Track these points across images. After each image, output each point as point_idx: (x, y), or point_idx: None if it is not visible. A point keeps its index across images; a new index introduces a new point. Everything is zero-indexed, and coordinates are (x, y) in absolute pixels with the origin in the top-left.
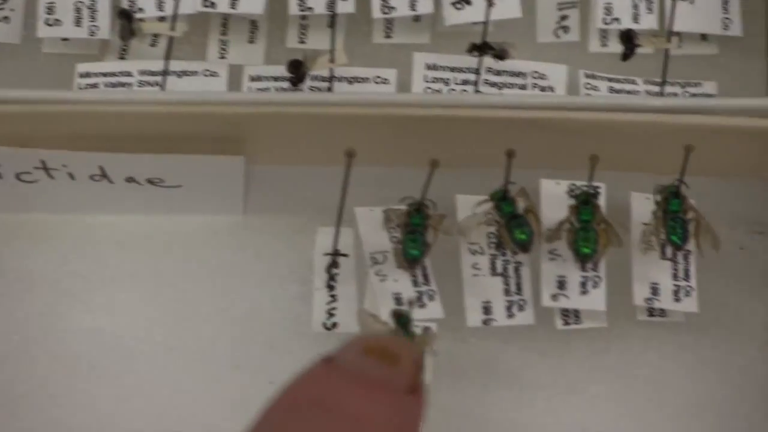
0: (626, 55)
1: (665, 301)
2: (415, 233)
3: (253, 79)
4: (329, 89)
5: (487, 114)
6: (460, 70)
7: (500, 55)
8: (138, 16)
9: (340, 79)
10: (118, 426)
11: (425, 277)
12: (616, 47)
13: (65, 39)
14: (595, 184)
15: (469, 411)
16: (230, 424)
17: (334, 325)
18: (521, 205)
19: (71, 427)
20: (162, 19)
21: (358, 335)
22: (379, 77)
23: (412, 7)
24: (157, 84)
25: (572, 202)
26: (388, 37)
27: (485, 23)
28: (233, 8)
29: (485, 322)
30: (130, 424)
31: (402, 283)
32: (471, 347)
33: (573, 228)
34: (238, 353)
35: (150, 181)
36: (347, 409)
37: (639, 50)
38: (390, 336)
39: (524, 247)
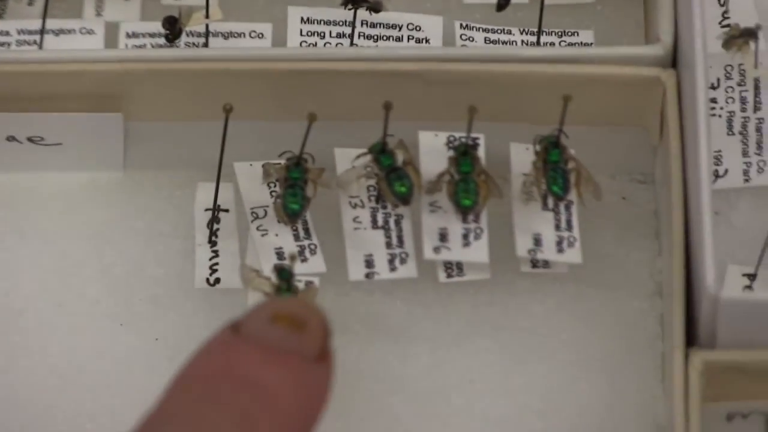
0: (501, 5)
1: (548, 252)
2: (295, 187)
3: (130, 36)
4: (205, 45)
5: (363, 67)
6: (335, 23)
7: (375, 8)
8: None
9: (216, 34)
10: (6, 385)
11: (306, 231)
12: None
13: None
14: (474, 135)
15: (353, 366)
16: (117, 380)
17: (217, 280)
18: (400, 157)
19: None
20: None
21: (265, 301)
22: (254, 32)
23: None
24: (35, 43)
25: (451, 153)
26: None
27: None
28: None
29: (367, 276)
30: (16, 381)
31: (283, 238)
32: (354, 301)
33: (453, 180)
34: (123, 310)
35: (30, 140)
36: (255, 379)
37: (514, 0)
38: (297, 300)
39: (404, 199)
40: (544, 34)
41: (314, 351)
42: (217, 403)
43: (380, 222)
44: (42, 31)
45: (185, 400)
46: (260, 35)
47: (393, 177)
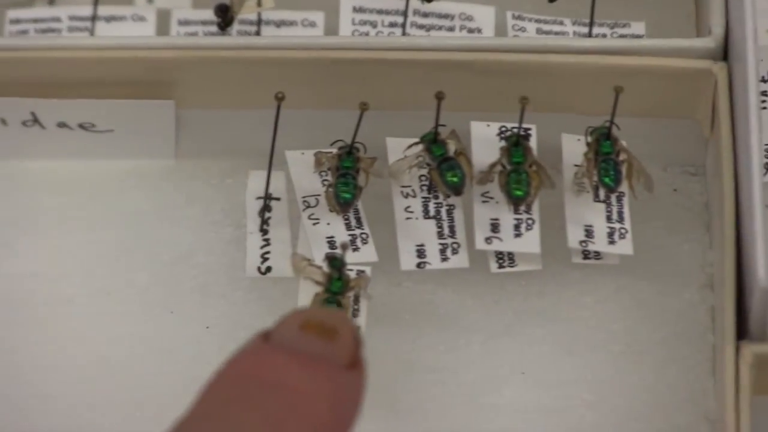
0: None
1: (599, 244)
2: (347, 176)
3: (182, 23)
4: (257, 33)
5: (415, 56)
6: (387, 12)
7: None
8: None
9: (268, 22)
10: (55, 372)
11: (358, 220)
12: None
13: None
14: (526, 125)
15: (403, 355)
16: (167, 368)
17: (268, 269)
18: (452, 147)
19: (5, 373)
20: None
21: (296, 309)
22: (306, 20)
23: None
24: (86, 29)
25: (503, 144)
26: None
27: None
28: None
29: (419, 266)
30: (67, 370)
31: (335, 227)
32: (405, 291)
33: (505, 170)
34: (173, 298)
35: (82, 126)
36: (288, 384)
37: None
38: (328, 310)
39: (456, 189)
40: (596, 25)
41: (345, 358)
42: (248, 406)
43: (432, 212)
44: (93, 18)
45: (216, 403)
46: (312, 24)
47: (445, 167)
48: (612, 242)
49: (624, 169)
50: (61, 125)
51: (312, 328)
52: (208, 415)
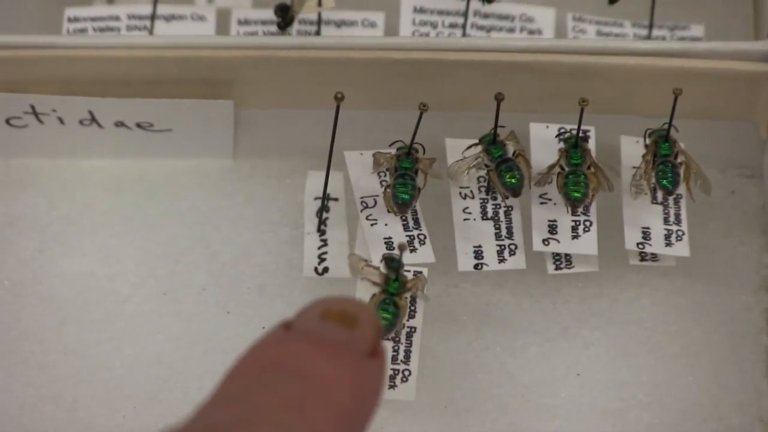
0: None
1: (657, 246)
2: (405, 177)
3: (241, 22)
4: (317, 33)
5: (475, 57)
6: (447, 13)
7: None
8: None
9: (328, 22)
10: (110, 371)
11: (416, 221)
12: None
13: None
14: (585, 127)
15: (460, 356)
16: (222, 369)
17: (326, 269)
18: (511, 148)
19: (63, 373)
20: None
21: (316, 300)
22: (366, 20)
23: None
24: (145, 28)
25: (562, 145)
26: None
27: None
28: None
29: (476, 267)
30: (123, 370)
31: (393, 228)
32: (462, 292)
33: (563, 172)
34: (229, 298)
35: (139, 126)
36: (307, 370)
37: None
38: (349, 298)
39: (514, 191)
40: (656, 27)
41: (366, 346)
42: (270, 391)
43: (490, 213)
44: (153, 17)
45: (238, 388)
46: (372, 24)
47: (503, 168)
48: (669, 244)
49: (682, 171)
50: (119, 124)
51: (333, 316)
52: (230, 400)
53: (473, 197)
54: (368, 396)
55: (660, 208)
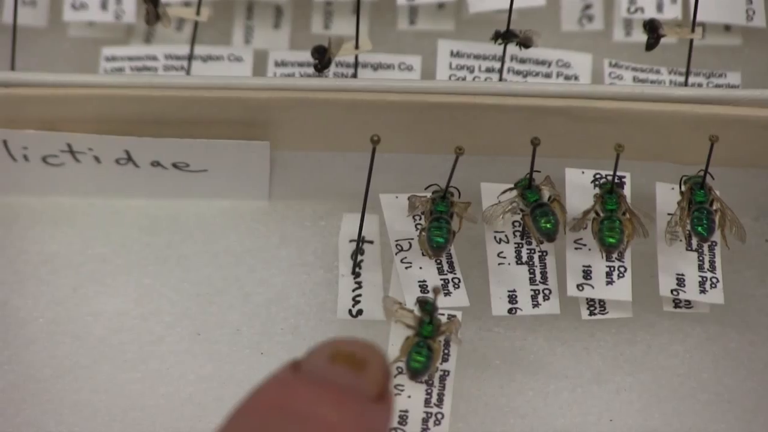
0: (650, 45)
1: (691, 293)
2: (440, 221)
3: (278, 64)
4: (354, 75)
5: (511, 102)
6: (484, 57)
7: (524, 43)
8: (164, 0)
9: (365, 65)
10: (143, 411)
11: (450, 264)
12: (639, 37)
13: (91, 23)
14: (620, 173)
15: (493, 400)
16: None
17: (360, 312)
18: (546, 193)
19: (96, 411)
20: (187, 4)
21: (327, 340)
22: (403, 64)
23: None
24: (182, 68)
25: (597, 191)
26: (412, 23)
27: (509, 11)
28: None
29: (510, 311)
30: (155, 409)
31: (427, 271)
32: (496, 336)
33: (598, 217)
34: (263, 339)
35: (175, 166)
36: (314, 416)
37: (662, 40)
38: (359, 340)
39: (549, 236)
40: (692, 74)
41: (374, 390)
42: None
43: (524, 258)
44: (190, 57)
45: (242, 428)
46: (409, 67)
47: (538, 213)
48: (703, 291)
49: (717, 218)
50: (155, 164)
51: (342, 358)
52: None
53: (508, 242)
54: None
55: (695, 254)
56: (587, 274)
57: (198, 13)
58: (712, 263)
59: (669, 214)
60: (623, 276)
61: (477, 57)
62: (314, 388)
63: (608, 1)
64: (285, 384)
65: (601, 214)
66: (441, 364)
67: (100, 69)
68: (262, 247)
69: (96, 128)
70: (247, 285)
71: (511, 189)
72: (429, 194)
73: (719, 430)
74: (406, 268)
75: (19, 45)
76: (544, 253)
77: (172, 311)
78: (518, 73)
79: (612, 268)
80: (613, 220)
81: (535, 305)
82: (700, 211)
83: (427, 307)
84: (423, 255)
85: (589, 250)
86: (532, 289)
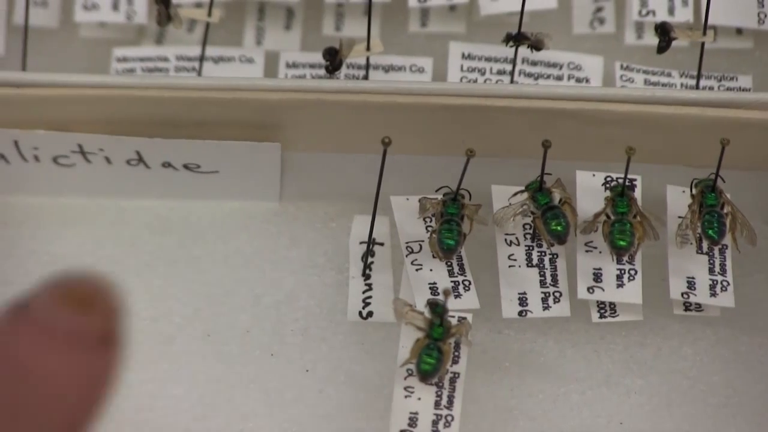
0: (662, 48)
1: (701, 296)
2: (451, 223)
3: (290, 65)
4: (365, 77)
5: (522, 104)
6: (496, 60)
7: (536, 46)
8: (175, 1)
9: (376, 67)
10: (152, 412)
11: (461, 267)
12: (651, 40)
13: (102, 23)
14: (631, 176)
15: (503, 403)
16: (266, 410)
17: (370, 314)
18: (557, 196)
19: (105, 413)
20: (199, 5)
21: (58, 277)
22: (415, 66)
23: None
24: (193, 69)
25: (608, 194)
26: (424, 25)
27: (521, 13)
28: None
29: (521, 314)
30: (166, 410)
31: (437, 273)
32: (506, 339)
33: (609, 220)
34: (273, 341)
35: (186, 167)
36: (31, 366)
37: (674, 43)
38: (89, 279)
39: (560, 238)
40: (704, 77)
41: (97, 333)
42: None
43: (535, 260)
44: (201, 58)
45: None
46: (421, 69)
47: (549, 216)
48: (714, 294)
49: (728, 221)
50: (166, 165)
51: (70, 299)
52: None
53: (518, 244)
54: (95, 387)
55: (705, 258)
56: (598, 276)
57: (209, 14)
58: (722, 266)
59: (680, 217)
60: (634, 279)
61: (488, 59)
62: (35, 333)
63: (620, 3)
64: (5, 330)
65: (612, 217)
66: (451, 366)
67: (111, 70)
68: (273, 249)
69: (107, 129)
70: (258, 286)
71: (522, 191)
72: (440, 196)
73: None
74: (417, 270)
75: (31, 45)
76: (555, 256)
77: (183, 312)
78: (529, 75)
79: (622, 271)
80: (624, 223)
81: (546, 308)
82: (710, 215)
83: (437, 309)
84: (433, 257)
85: (600, 252)
86: (542, 292)
